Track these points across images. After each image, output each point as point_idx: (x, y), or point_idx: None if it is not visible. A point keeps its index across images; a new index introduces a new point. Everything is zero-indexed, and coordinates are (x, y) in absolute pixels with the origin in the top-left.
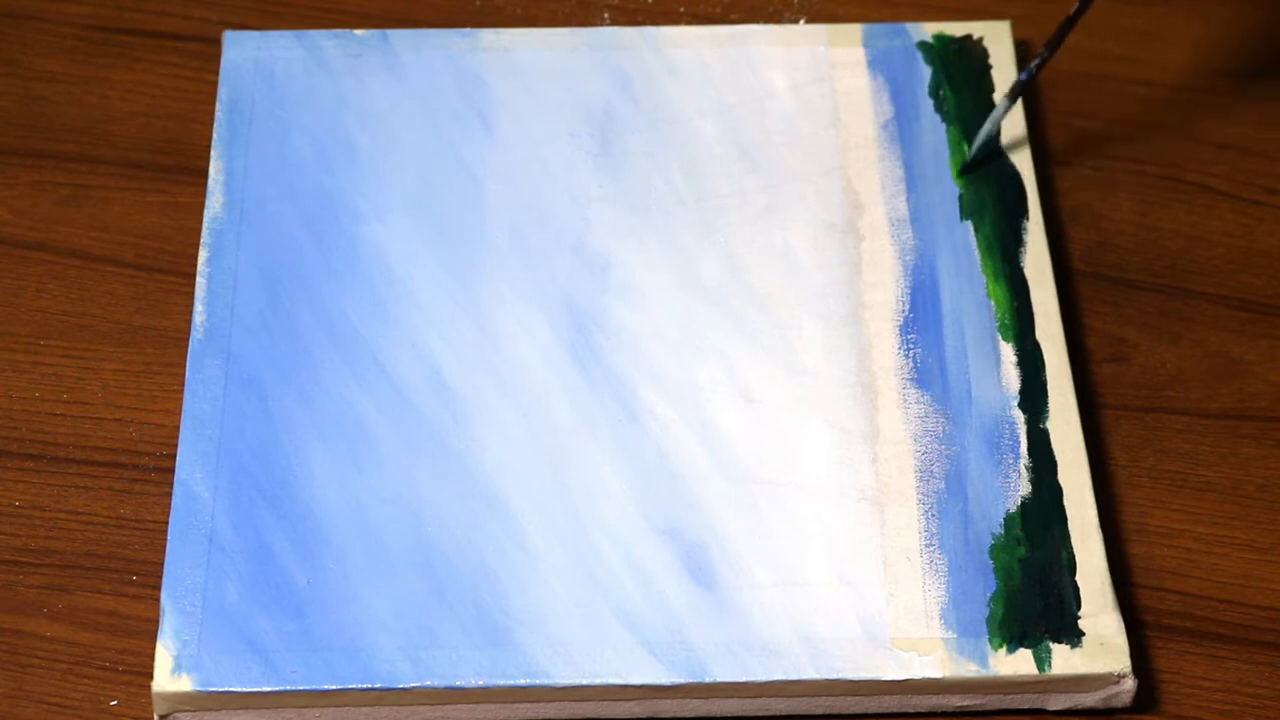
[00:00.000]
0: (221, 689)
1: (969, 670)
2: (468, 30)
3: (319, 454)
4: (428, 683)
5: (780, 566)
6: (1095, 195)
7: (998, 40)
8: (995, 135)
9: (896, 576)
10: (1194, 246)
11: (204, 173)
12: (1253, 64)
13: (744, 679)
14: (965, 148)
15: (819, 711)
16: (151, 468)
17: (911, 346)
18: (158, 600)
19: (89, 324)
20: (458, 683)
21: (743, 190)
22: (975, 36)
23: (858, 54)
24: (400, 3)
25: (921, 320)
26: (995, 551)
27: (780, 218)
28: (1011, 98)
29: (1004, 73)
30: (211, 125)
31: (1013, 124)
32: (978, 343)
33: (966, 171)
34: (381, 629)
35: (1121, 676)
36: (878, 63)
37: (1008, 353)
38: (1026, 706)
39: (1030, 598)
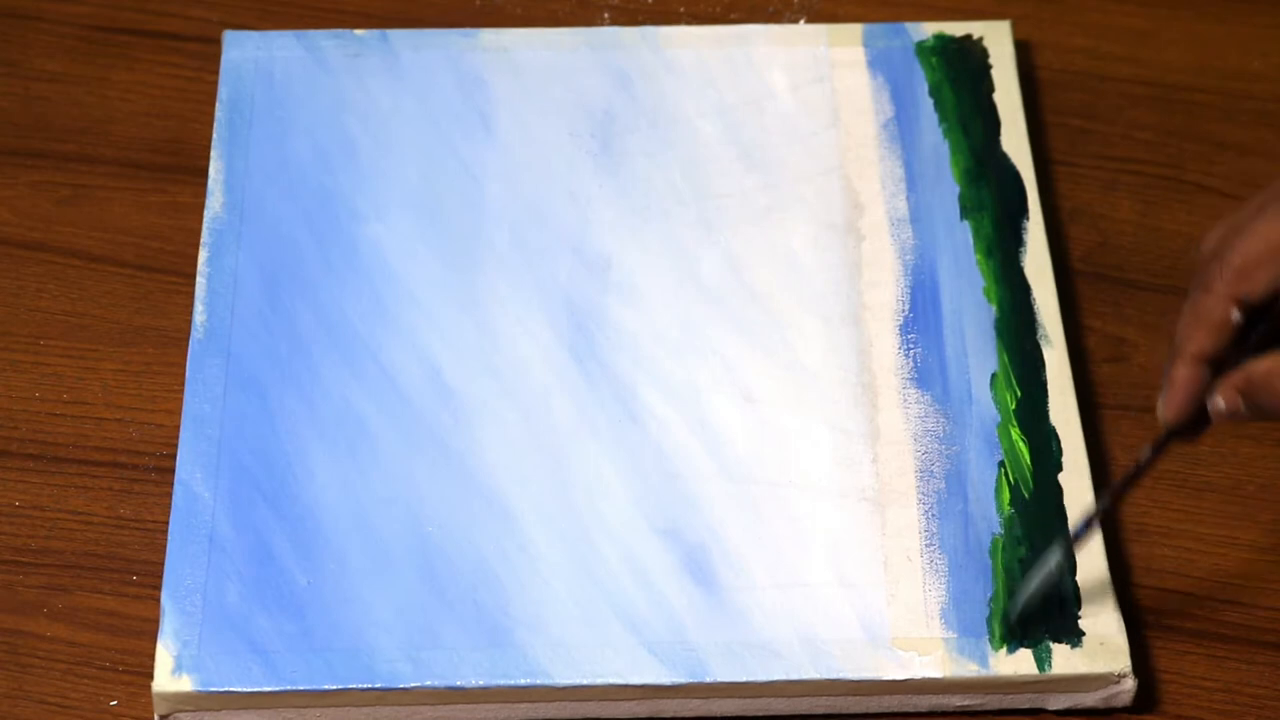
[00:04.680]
0: (222, 689)
1: (969, 670)
2: (468, 30)
3: (319, 454)
4: (428, 683)
5: (780, 567)
6: (1095, 195)
7: (998, 40)
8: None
9: (897, 576)
10: (1194, 246)
11: (204, 173)
12: (1253, 64)
13: (744, 679)
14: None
15: (820, 711)
16: (151, 468)
17: (911, 346)
18: (158, 600)
19: (89, 324)
20: (458, 683)
21: (743, 190)
22: (975, 36)
23: (858, 54)
24: (400, 2)
25: (921, 320)
26: (995, 551)
27: (780, 218)
28: (1066, 554)
29: (1004, 73)
30: (211, 125)
31: (1012, 123)
32: (978, 343)
33: (1013, 630)
34: (382, 629)
35: (1121, 676)
36: (878, 63)
37: (1007, 353)
38: (1027, 706)
39: (1031, 598)
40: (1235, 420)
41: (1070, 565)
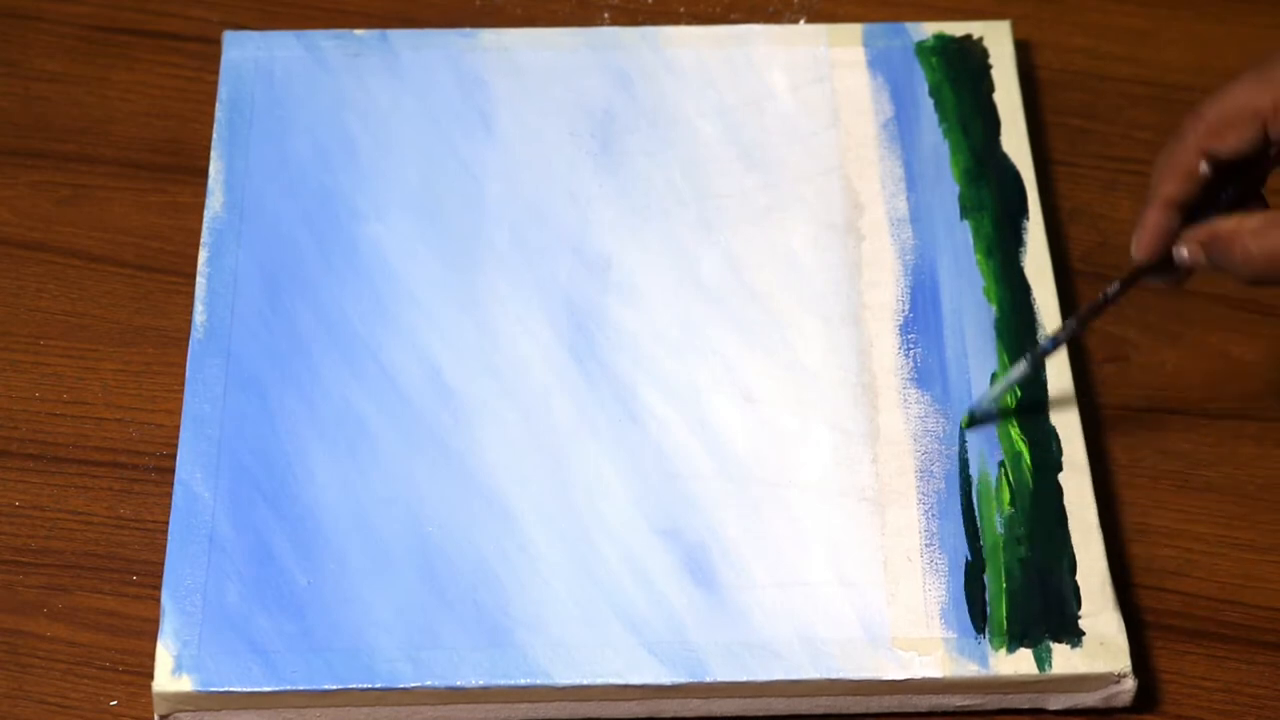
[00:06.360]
0: (222, 689)
1: (969, 670)
2: (468, 30)
3: (319, 454)
4: (428, 683)
5: (781, 567)
6: (1095, 195)
7: (998, 40)
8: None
9: (897, 577)
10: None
11: (204, 173)
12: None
13: (744, 679)
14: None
15: (819, 711)
16: (151, 468)
17: (911, 346)
18: (158, 600)
19: (89, 324)
20: (458, 683)
21: (743, 190)
22: (975, 36)
23: (858, 54)
24: (400, 2)
25: (921, 320)
26: (995, 552)
27: (780, 218)
28: (1032, 365)
29: (1004, 73)
30: (211, 125)
31: (1012, 123)
32: (977, 343)
33: (972, 423)
34: (382, 629)
35: (1121, 676)
36: (878, 62)
37: (1008, 353)
38: (1027, 706)
39: (1031, 597)
40: (1197, 270)
41: (1037, 377)
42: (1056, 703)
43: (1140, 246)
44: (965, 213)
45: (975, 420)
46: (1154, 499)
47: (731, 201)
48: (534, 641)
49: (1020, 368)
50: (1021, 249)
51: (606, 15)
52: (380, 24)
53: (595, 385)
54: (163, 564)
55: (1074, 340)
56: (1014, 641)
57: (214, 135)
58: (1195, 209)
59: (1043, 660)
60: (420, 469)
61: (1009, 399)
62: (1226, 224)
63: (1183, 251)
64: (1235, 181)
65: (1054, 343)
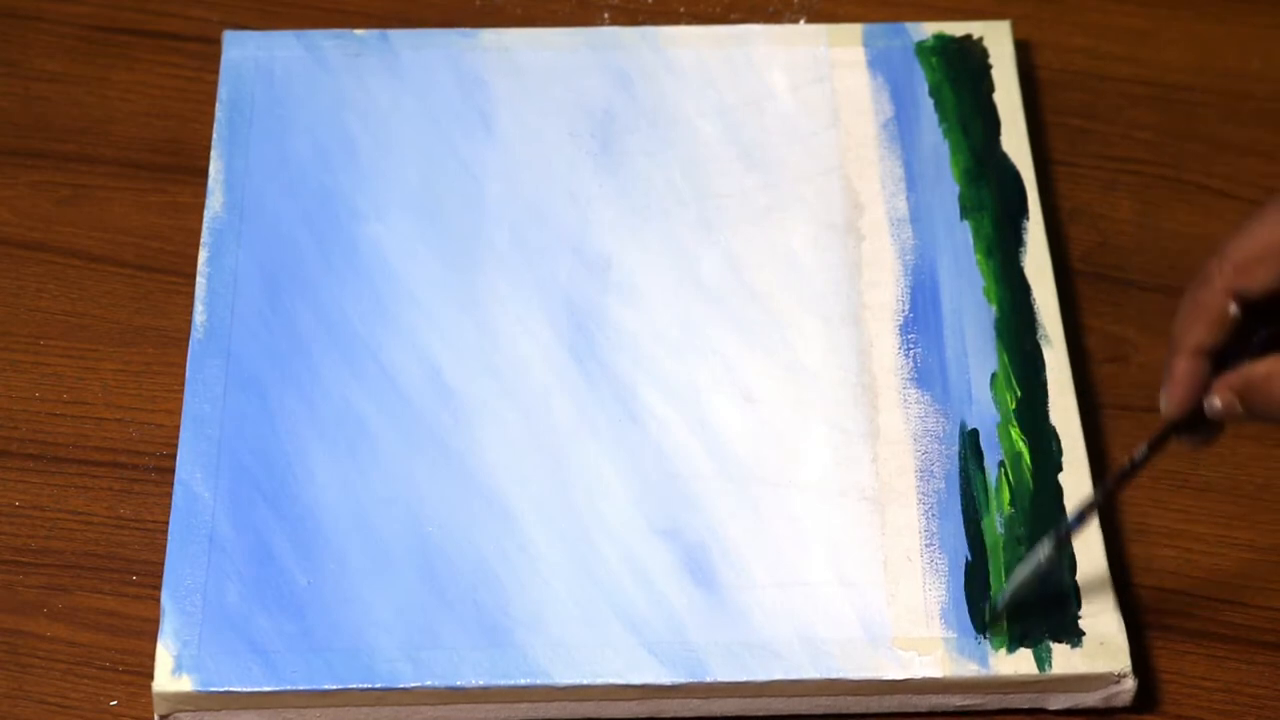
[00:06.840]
0: (222, 689)
1: (969, 670)
2: (468, 30)
3: (319, 454)
4: (428, 683)
5: (780, 566)
6: (1095, 195)
7: (998, 40)
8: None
9: (897, 576)
10: (1194, 246)
11: (204, 173)
12: (1252, 64)
13: (744, 679)
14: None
15: (819, 711)
16: (151, 468)
17: (911, 346)
18: (158, 600)
19: (89, 324)
20: (458, 683)
21: (743, 190)
22: (975, 36)
23: (858, 54)
24: (400, 2)
25: (921, 320)
26: (995, 551)
27: (780, 218)
28: (1056, 545)
29: (1004, 73)
30: (211, 125)
31: (1012, 123)
32: (977, 343)
33: (994, 618)
34: (382, 629)
35: (1121, 676)
36: (878, 63)
37: (1007, 353)
38: (1027, 706)
39: (1030, 597)
40: (1230, 422)
41: (1061, 557)
42: (1056, 703)
43: (1171, 401)
44: (965, 213)
45: (997, 615)
46: (1154, 499)
47: (731, 201)
48: (534, 641)
49: (1044, 548)
50: (1021, 249)
51: (606, 15)
52: (380, 24)
53: (595, 385)
54: (163, 564)
55: (1104, 480)
56: (1014, 641)
57: (214, 135)
58: (1225, 355)
59: (1043, 660)
60: (420, 469)
61: (1012, 407)
62: (1262, 367)
63: (1215, 402)
64: (1266, 322)
65: (1079, 520)
